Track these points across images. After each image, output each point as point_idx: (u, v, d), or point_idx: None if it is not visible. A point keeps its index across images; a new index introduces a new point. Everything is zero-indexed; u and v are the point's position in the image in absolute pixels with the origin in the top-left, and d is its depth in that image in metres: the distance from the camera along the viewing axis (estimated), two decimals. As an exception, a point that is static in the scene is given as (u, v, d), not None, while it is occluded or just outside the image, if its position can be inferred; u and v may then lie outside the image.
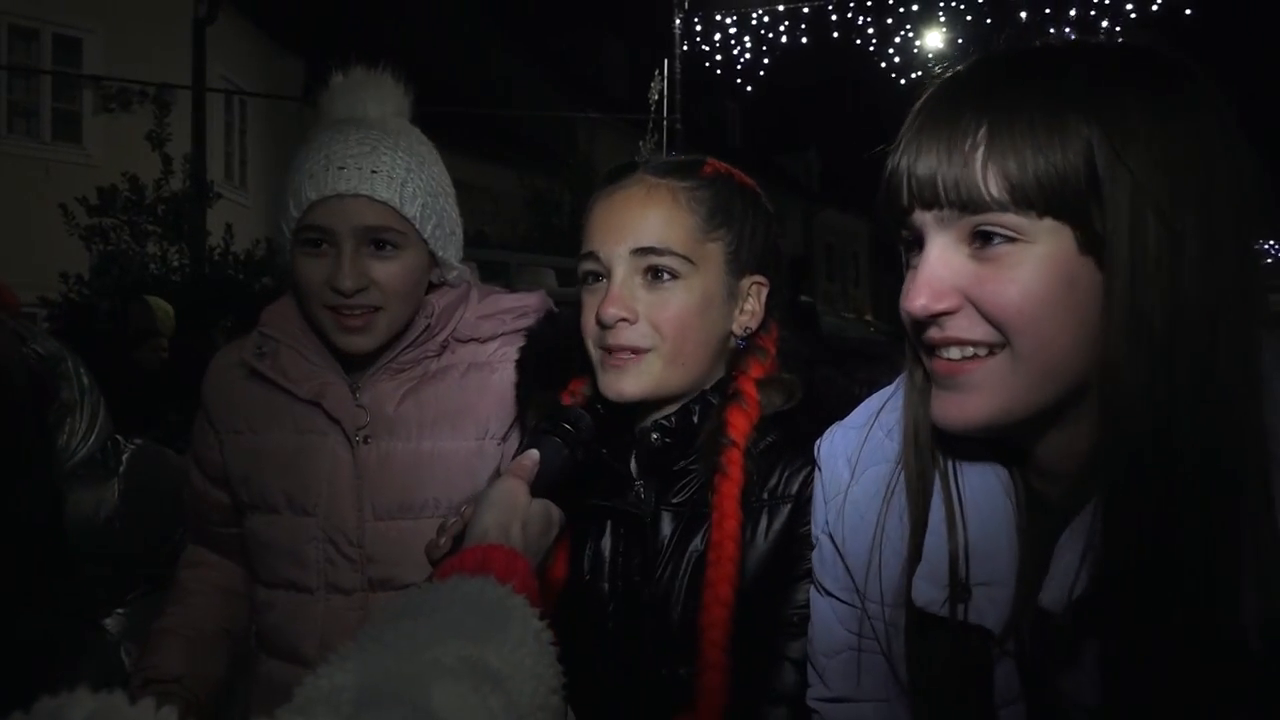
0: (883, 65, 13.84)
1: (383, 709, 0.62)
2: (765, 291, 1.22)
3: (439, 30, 16.46)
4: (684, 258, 1.15)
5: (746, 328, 1.22)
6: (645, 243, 1.16)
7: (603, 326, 1.16)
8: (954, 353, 0.85)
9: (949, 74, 0.87)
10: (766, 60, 13.66)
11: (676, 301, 1.15)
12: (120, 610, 1.65)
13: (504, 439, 1.43)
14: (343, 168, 1.31)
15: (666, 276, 1.15)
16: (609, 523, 1.22)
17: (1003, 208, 0.79)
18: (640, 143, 12.43)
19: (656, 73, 12.74)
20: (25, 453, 1.38)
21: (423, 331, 1.41)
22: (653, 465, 1.21)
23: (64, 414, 1.49)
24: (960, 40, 13.19)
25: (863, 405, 1.07)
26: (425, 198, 1.36)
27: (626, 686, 1.17)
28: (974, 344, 0.84)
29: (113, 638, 1.58)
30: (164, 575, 1.68)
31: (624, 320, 1.16)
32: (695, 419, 1.19)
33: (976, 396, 0.84)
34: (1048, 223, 0.79)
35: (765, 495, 1.15)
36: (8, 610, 1.29)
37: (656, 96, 12.63)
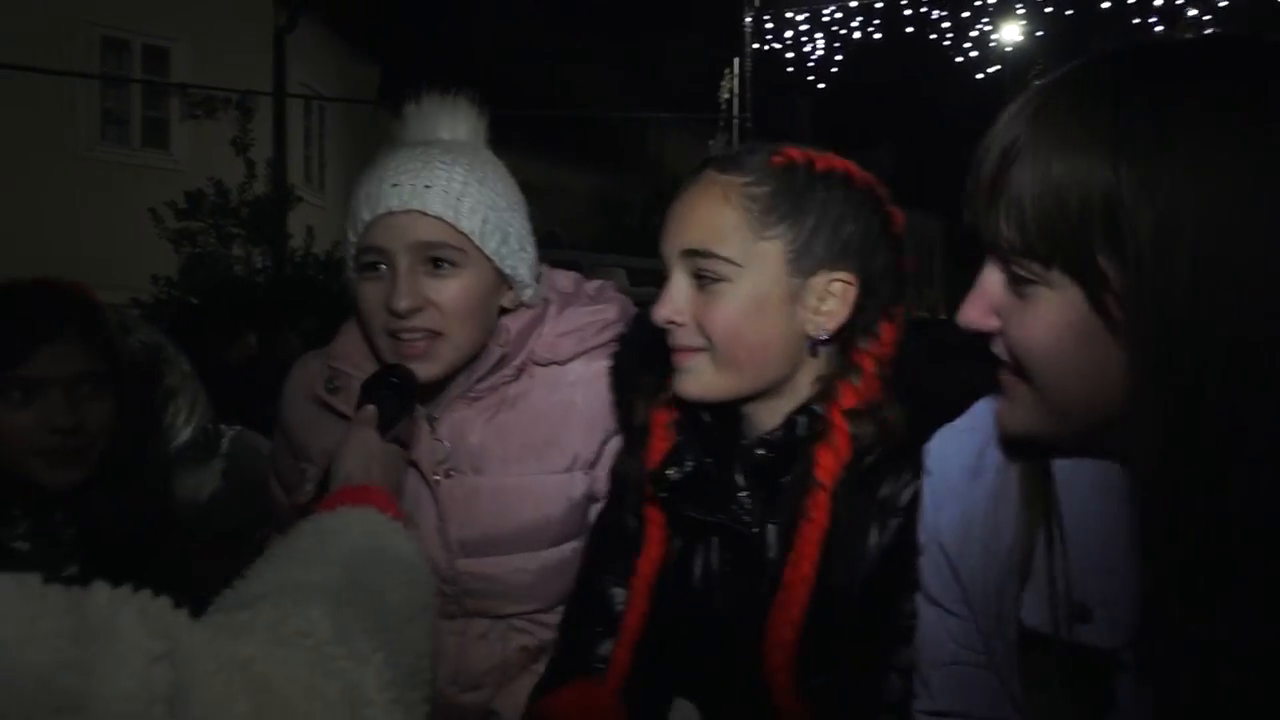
0: (958, 60, 13.61)
1: (324, 600, 0.77)
2: (853, 291, 1.12)
3: (508, 33, 16.65)
4: (728, 260, 1.09)
5: (823, 329, 1.12)
6: (690, 244, 1.12)
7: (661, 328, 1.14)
8: (1000, 364, 0.85)
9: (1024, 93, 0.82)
10: (839, 57, 13.53)
11: (723, 305, 1.10)
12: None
13: (594, 464, 1.37)
14: (396, 184, 1.25)
15: (713, 278, 1.10)
16: (715, 537, 1.18)
17: (1018, 252, 0.77)
18: (710, 142, 12.42)
19: (726, 71, 12.72)
20: (140, 436, 1.46)
21: (498, 360, 1.33)
22: (759, 479, 1.15)
23: (168, 398, 1.55)
24: (1040, 33, 12.89)
25: (977, 406, 1.01)
26: (486, 212, 1.27)
27: (734, 701, 1.14)
28: (1007, 366, 0.84)
29: None
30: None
31: (673, 323, 1.13)
32: (800, 431, 1.13)
33: (1012, 411, 0.85)
34: (1056, 273, 0.75)
35: (875, 507, 1.10)
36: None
37: (727, 95, 12.61)
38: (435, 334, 1.27)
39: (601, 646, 1.24)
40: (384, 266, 1.27)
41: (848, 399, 1.11)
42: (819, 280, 1.11)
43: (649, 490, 1.20)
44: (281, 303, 7.71)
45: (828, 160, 1.14)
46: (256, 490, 1.57)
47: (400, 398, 1.21)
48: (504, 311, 1.36)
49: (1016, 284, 0.79)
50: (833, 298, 1.12)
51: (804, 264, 1.10)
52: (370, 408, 1.16)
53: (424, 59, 15.74)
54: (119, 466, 1.42)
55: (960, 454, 0.99)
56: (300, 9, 11.66)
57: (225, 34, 12.20)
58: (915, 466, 1.05)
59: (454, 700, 1.36)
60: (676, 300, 1.13)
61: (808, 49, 13.52)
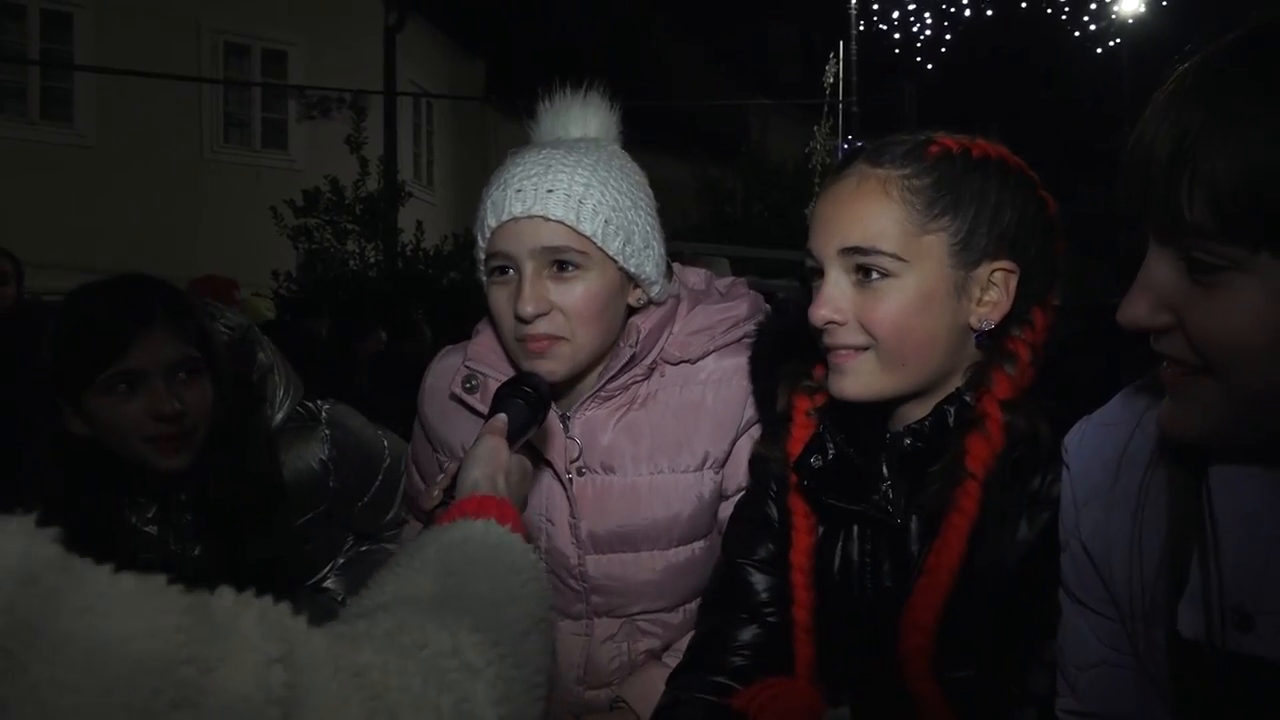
0: (1075, 35, 13.08)
1: (442, 613, 0.77)
2: (1014, 279, 1.09)
3: (608, 23, 16.72)
4: (893, 255, 1.06)
5: (987, 320, 1.09)
6: (851, 241, 1.08)
7: (818, 327, 1.12)
8: (1170, 362, 0.79)
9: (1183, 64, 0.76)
10: (948, 36, 13.16)
11: (889, 301, 1.07)
12: (337, 564, 1.78)
13: (724, 463, 1.37)
14: (519, 190, 1.26)
15: (876, 275, 1.07)
16: (855, 526, 1.17)
17: (1210, 236, 0.71)
18: (815, 128, 12.24)
19: (831, 55, 12.51)
20: (241, 414, 1.54)
21: (629, 359, 1.33)
22: (904, 468, 1.13)
23: (264, 376, 1.62)
24: (1164, 2, 12.28)
25: (1119, 399, 0.96)
26: (609, 213, 1.27)
27: (877, 692, 1.13)
28: (1181, 364, 0.78)
29: (339, 596, 1.69)
30: (370, 534, 1.80)
31: (833, 322, 1.10)
32: (950, 421, 1.10)
33: (1186, 411, 0.79)
34: (1263, 256, 0.69)
35: (1026, 499, 1.07)
36: (250, 572, 1.44)
37: (831, 80, 12.39)
38: (561, 339, 1.28)
39: (743, 632, 1.24)
40: (511, 271, 1.28)
41: (1002, 388, 1.08)
42: (982, 271, 1.09)
43: (792, 479, 1.19)
44: (393, 295, 7.95)
45: (982, 147, 1.11)
46: (361, 461, 1.65)
47: (531, 408, 1.20)
48: (633, 311, 1.36)
49: (1199, 272, 0.74)
50: (995, 288, 1.09)
51: (967, 255, 1.08)
52: (501, 417, 1.16)
53: (528, 54, 15.96)
54: (225, 446, 1.49)
55: (1101, 449, 0.95)
56: (409, 9, 11.95)
57: (338, 36, 12.61)
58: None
59: (580, 699, 1.40)
60: (836, 299, 1.10)
61: (915, 29, 13.20)
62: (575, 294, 1.27)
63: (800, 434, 1.20)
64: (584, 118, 1.38)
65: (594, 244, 1.27)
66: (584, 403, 1.36)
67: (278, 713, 0.55)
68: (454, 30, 15.30)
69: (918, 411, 1.13)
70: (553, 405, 1.31)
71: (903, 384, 1.11)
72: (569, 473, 1.35)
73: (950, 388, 1.12)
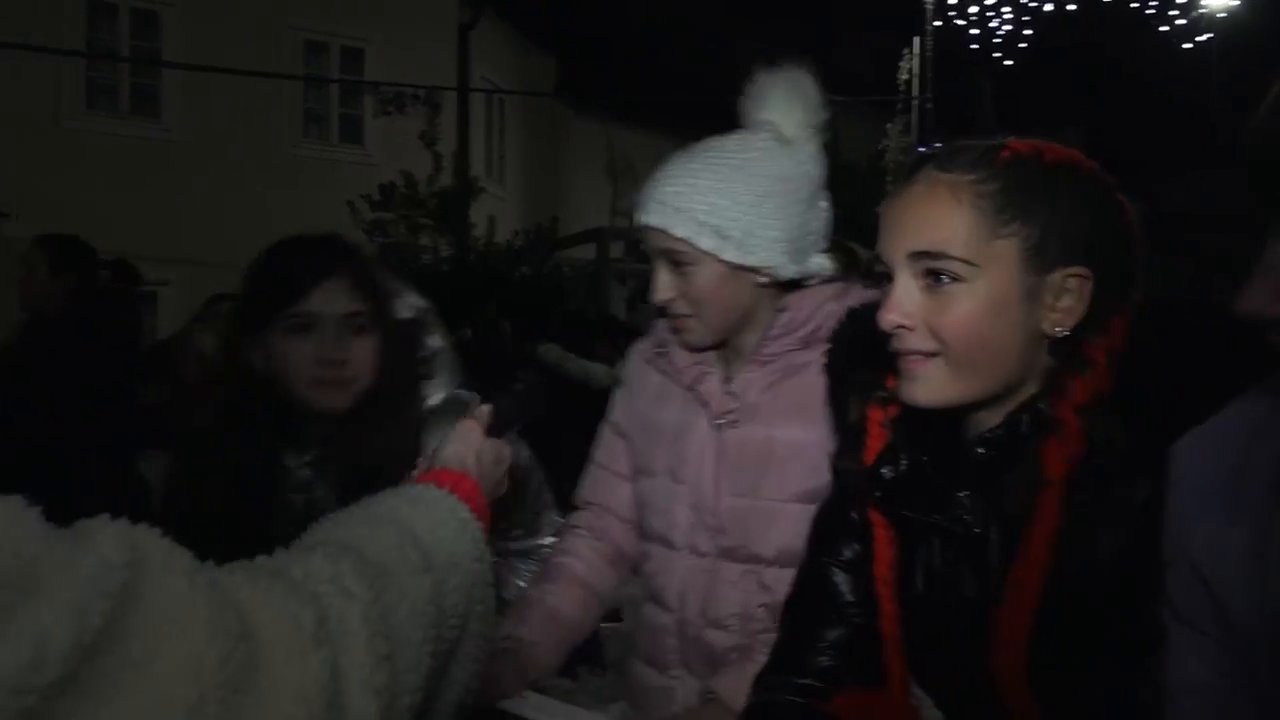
0: (1162, 29, 12.69)
1: (335, 549, 0.80)
2: (1088, 285, 1.07)
3: (678, 20, 16.70)
4: (964, 261, 1.06)
5: (1061, 326, 1.07)
6: (920, 246, 1.07)
7: (887, 332, 1.12)
8: None
9: None
10: (1028, 31, 12.87)
11: (959, 308, 1.06)
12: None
13: None
14: (642, 200, 1.50)
15: (946, 280, 1.06)
16: (935, 538, 1.15)
17: None
18: (887, 126, 12.09)
19: (905, 51, 12.33)
20: (401, 382, 1.61)
21: (778, 327, 1.50)
22: (979, 477, 1.11)
23: (431, 357, 1.69)
24: (1256, -3, 11.86)
25: (1235, 406, 0.92)
26: (703, 216, 1.44)
27: (976, 702, 1.11)
28: None
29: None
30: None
31: (902, 327, 1.09)
32: (1024, 428, 1.08)
33: None
34: None
35: (1110, 507, 1.03)
36: None
37: (905, 76, 12.22)
38: (689, 316, 1.50)
39: (829, 633, 1.24)
40: (654, 263, 1.53)
41: (1079, 394, 1.05)
42: (1055, 277, 1.06)
43: (866, 490, 1.19)
44: (465, 289, 8.05)
45: (1055, 151, 1.09)
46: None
47: (519, 405, 1.32)
48: (797, 286, 1.52)
49: None
50: (1069, 294, 1.06)
51: (1040, 261, 1.06)
52: (486, 407, 1.27)
53: (599, 50, 16.02)
54: (380, 409, 1.58)
55: (1217, 460, 0.91)
56: (482, 6, 12.10)
57: (414, 33, 12.82)
58: (1151, 467, 0.99)
59: (699, 634, 1.52)
60: (904, 304, 1.09)
61: (994, 24, 12.93)
62: (688, 284, 1.49)
63: (875, 445, 1.19)
64: (767, 102, 1.54)
65: (689, 244, 1.45)
66: (746, 363, 1.54)
67: (107, 605, 0.55)
68: (526, 26, 15.44)
69: (991, 419, 1.12)
70: (715, 363, 1.55)
71: (973, 390, 1.10)
72: (720, 421, 1.53)
73: (1024, 395, 1.10)
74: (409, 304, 1.72)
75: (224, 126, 11.64)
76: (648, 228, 1.49)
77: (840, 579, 1.25)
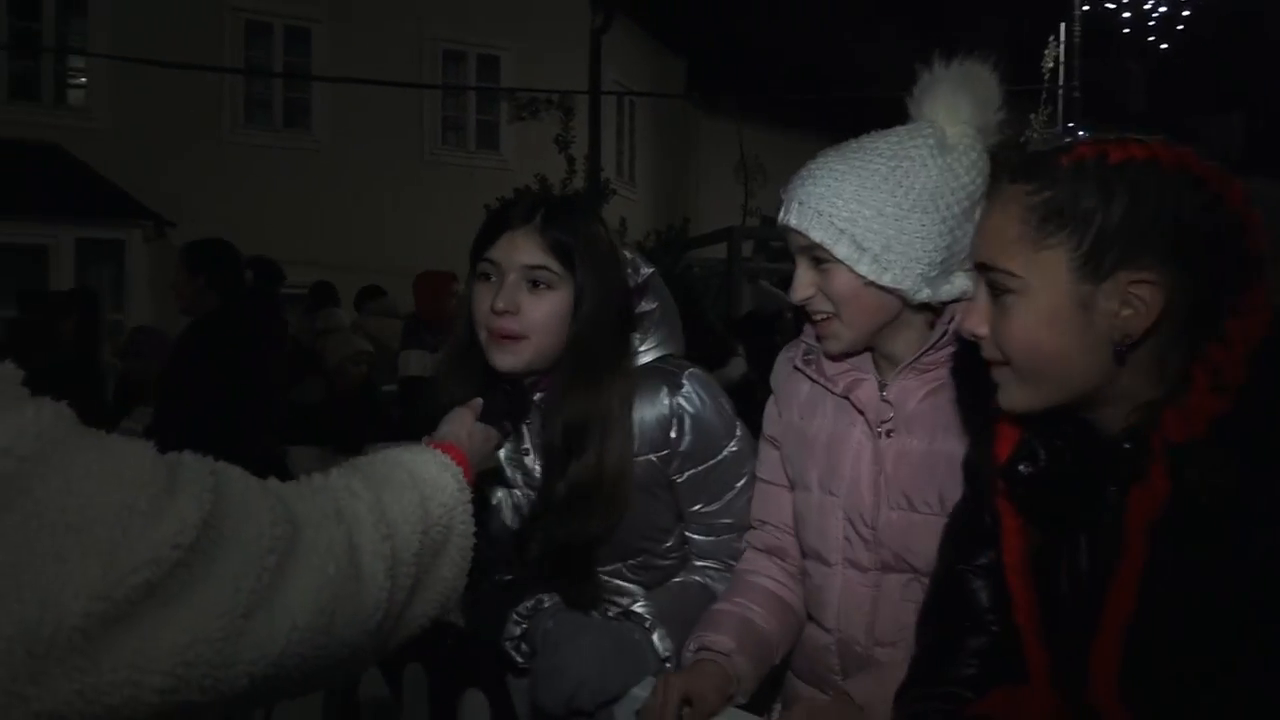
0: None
1: (348, 469, 1.08)
2: (1158, 291, 0.99)
3: (808, 16, 16.48)
4: (1009, 273, 1.06)
5: (1127, 335, 1.01)
6: (979, 258, 1.10)
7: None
8: None
9: None
10: (1185, 13, 12.15)
11: (1016, 319, 1.07)
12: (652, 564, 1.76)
13: None
14: (785, 200, 1.46)
15: (1003, 292, 1.07)
16: (1082, 536, 1.11)
17: None
18: (1030, 116, 11.63)
19: (1051, 38, 11.84)
20: (595, 343, 1.56)
21: (941, 336, 1.42)
22: (1120, 474, 1.06)
23: (644, 316, 1.66)
24: None
25: None
26: (843, 224, 1.39)
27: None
28: None
29: (645, 620, 1.64)
30: (693, 523, 1.73)
31: (976, 336, 1.11)
32: (1143, 429, 1.03)
33: None
34: None
35: (1239, 518, 0.96)
36: (563, 501, 1.57)
37: (1050, 64, 11.73)
38: (832, 315, 1.46)
39: (970, 641, 1.21)
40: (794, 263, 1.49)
41: (1173, 427, 0.99)
42: (1115, 284, 1.00)
43: (1000, 484, 1.16)
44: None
45: (1125, 149, 1.02)
46: (709, 422, 1.62)
47: (507, 404, 1.47)
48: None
49: None
50: (1136, 299, 1.00)
51: (1093, 269, 1.01)
52: (479, 400, 1.43)
53: (729, 51, 15.97)
54: (579, 370, 1.54)
55: None
56: (614, 10, 12.23)
57: (547, 40, 13.08)
58: (1272, 514, 0.92)
59: (866, 653, 1.46)
60: (978, 313, 1.11)
61: (1148, 6, 12.25)
62: (828, 282, 1.44)
63: (1006, 435, 1.16)
64: (932, 97, 1.45)
65: (825, 251, 1.41)
66: (901, 371, 1.47)
67: (209, 497, 0.83)
68: (656, 29, 15.54)
69: (1119, 413, 1.07)
70: (873, 371, 1.51)
71: (1048, 398, 1.07)
72: (879, 430, 1.47)
73: (1140, 394, 1.04)
74: (636, 269, 1.67)
75: (368, 136, 12.16)
76: (787, 227, 1.45)
77: (977, 585, 1.22)
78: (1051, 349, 1.05)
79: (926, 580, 1.40)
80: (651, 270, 1.71)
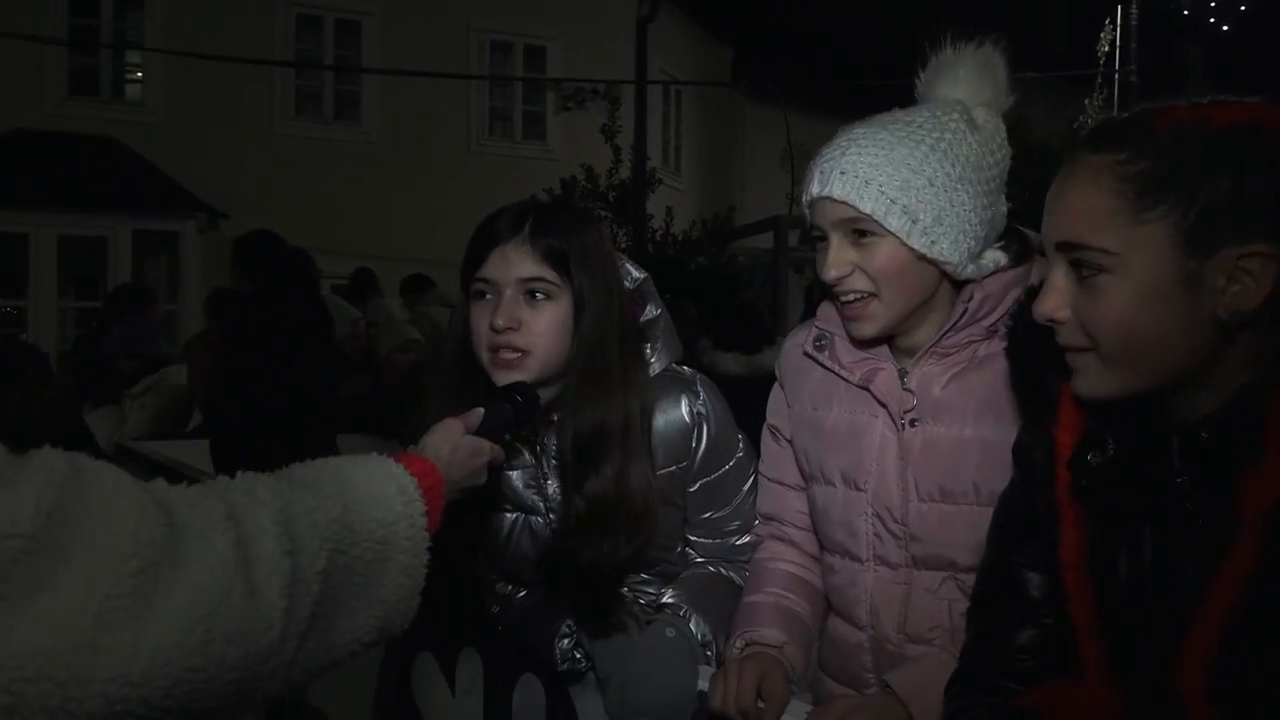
0: None
1: (266, 475, 1.00)
2: (1272, 263, 0.93)
3: (857, 1, 16.28)
4: (1102, 250, 0.98)
5: (1237, 312, 0.95)
6: (1063, 236, 1.01)
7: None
8: None
9: None
10: (1246, -8, 11.80)
11: (1107, 300, 0.99)
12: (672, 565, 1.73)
13: None
14: (820, 171, 1.38)
15: (1091, 271, 0.99)
16: (1147, 528, 1.06)
17: None
18: (1085, 101, 11.38)
19: (1108, 21, 11.58)
20: (601, 355, 1.50)
21: (961, 316, 1.38)
22: (1201, 463, 1.02)
23: (650, 324, 1.61)
24: None
25: None
26: (895, 193, 1.33)
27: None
28: None
29: (681, 609, 1.64)
30: (699, 530, 1.70)
31: (1054, 320, 1.04)
32: (1249, 410, 0.97)
33: None
34: None
35: None
36: (582, 516, 1.48)
37: (1106, 47, 11.48)
38: (867, 295, 1.38)
39: (1020, 635, 1.18)
40: (824, 241, 1.42)
41: None
42: (1223, 258, 0.95)
43: (1060, 471, 1.12)
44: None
45: (1229, 113, 0.96)
46: (720, 430, 1.58)
47: (516, 414, 1.39)
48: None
49: None
50: (1245, 275, 0.94)
51: (1200, 243, 0.95)
52: (479, 410, 1.33)
53: (776, 38, 15.84)
54: (588, 382, 1.48)
55: None
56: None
57: (593, 30, 13.08)
58: None
59: (899, 650, 1.42)
60: (1057, 296, 1.03)
61: (1206, -13, 11.92)
62: (869, 258, 1.37)
63: (1068, 421, 1.11)
64: (954, 78, 1.42)
65: (876, 221, 1.34)
66: (921, 357, 1.41)
67: (53, 492, 0.76)
68: (703, 17, 15.44)
69: (1202, 403, 1.01)
70: (891, 359, 1.44)
71: (1136, 384, 1.01)
72: (902, 421, 1.41)
73: (1234, 375, 0.99)
74: (627, 274, 1.62)
75: (417, 128, 12.26)
76: (828, 199, 1.36)
77: (1028, 577, 1.19)
78: (1149, 330, 0.98)
79: (962, 578, 1.37)
80: (644, 276, 1.65)
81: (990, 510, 1.29)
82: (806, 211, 1.44)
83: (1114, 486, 1.07)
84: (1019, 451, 1.23)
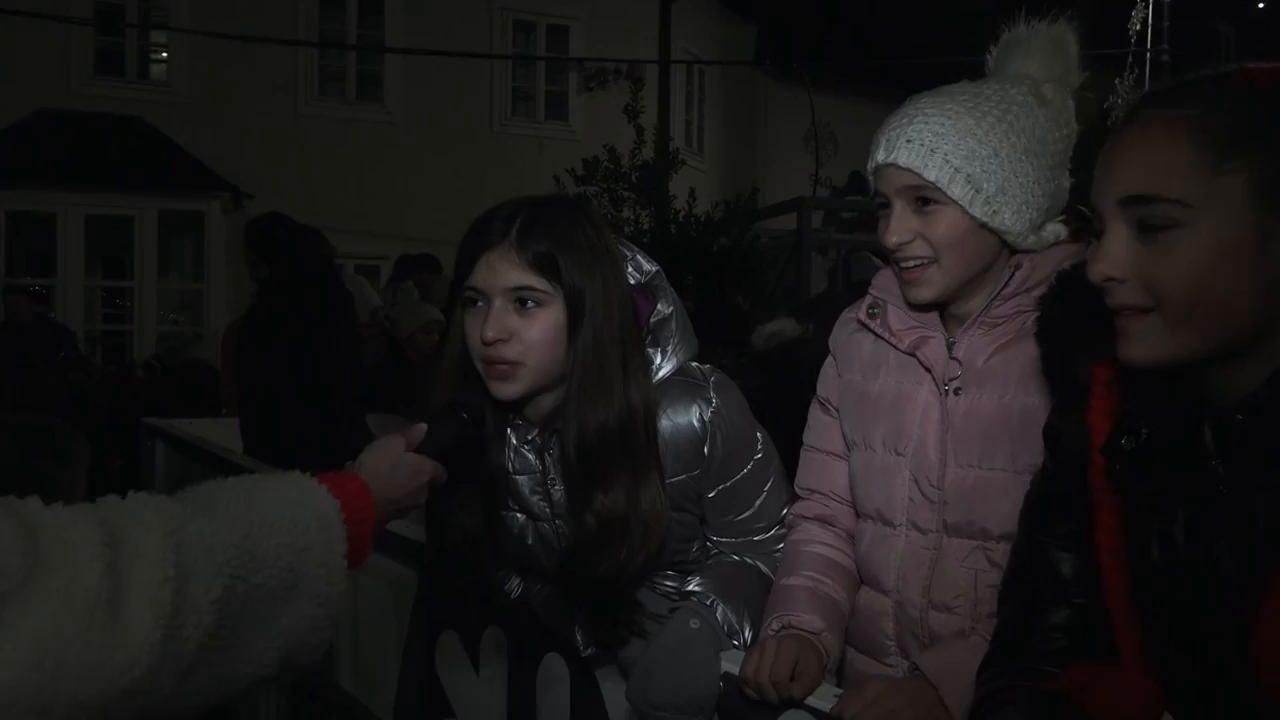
0: None
1: (162, 496, 0.93)
2: None
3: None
4: (1180, 203, 0.95)
5: None
6: (1131, 190, 0.98)
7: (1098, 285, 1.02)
8: None
9: None
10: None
11: (1176, 256, 0.96)
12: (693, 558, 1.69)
13: None
14: (886, 139, 1.41)
15: (1161, 226, 0.96)
16: (1180, 510, 1.04)
17: None
18: (1115, 81, 11.23)
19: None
20: (600, 360, 1.43)
21: (1008, 283, 1.40)
22: (1238, 445, 1.00)
23: (660, 323, 1.55)
24: None
25: None
26: (960, 162, 1.36)
27: (1226, 690, 1.01)
28: None
29: (708, 598, 1.60)
30: (720, 532, 1.67)
31: (1113, 279, 1.00)
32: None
33: None
34: None
35: None
36: (588, 527, 1.43)
37: (1138, 26, 11.31)
38: (928, 261, 1.41)
39: (1052, 615, 1.17)
40: (888, 206, 1.44)
41: None
42: None
43: (1095, 457, 1.10)
44: (665, 261, 8.13)
45: None
46: (737, 433, 1.54)
47: (459, 431, 1.35)
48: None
49: None
50: None
51: (1278, 197, 0.94)
52: (421, 426, 1.30)
53: (800, 17, 15.69)
54: (589, 387, 1.42)
55: None
56: (684, -23, 12.10)
57: (616, 9, 13.02)
58: None
59: (921, 617, 1.44)
60: (1115, 254, 1.00)
61: (1241, -37, 11.69)
62: (933, 225, 1.40)
63: (1100, 404, 1.10)
64: (1026, 53, 1.45)
65: (940, 190, 1.37)
66: (969, 326, 1.44)
67: None
68: (728, -4, 15.33)
69: (1244, 379, 1.00)
70: (941, 329, 1.46)
71: (1196, 347, 0.99)
72: (946, 388, 1.44)
73: (1275, 349, 0.98)
74: (637, 269, 1.56)
75: (439, 108, 12.26)
76: (893, 166, 1.39)
77: (1060, 558, 1.17)
78: (1220, 287, 0.96)
79: (992, 549, 1.38)
80: (656, 269, 1.58)
81: (1025, 479, 1.28)
82: (871, 178, 1.46)
83: (1147, 470, 1.05)
84: (1049, 435, 1.22)
